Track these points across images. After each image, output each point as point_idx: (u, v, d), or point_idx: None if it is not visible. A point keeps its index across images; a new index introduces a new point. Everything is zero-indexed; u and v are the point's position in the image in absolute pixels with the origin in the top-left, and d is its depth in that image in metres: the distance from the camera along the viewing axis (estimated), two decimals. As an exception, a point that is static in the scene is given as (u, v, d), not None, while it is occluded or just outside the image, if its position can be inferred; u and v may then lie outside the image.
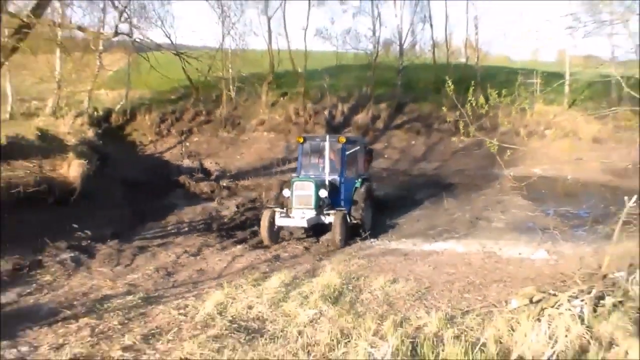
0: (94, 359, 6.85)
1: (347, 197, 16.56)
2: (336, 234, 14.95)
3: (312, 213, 15.40)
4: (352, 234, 15.81)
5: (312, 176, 16.36)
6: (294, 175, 17.25)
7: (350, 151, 17.07)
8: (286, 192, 16.20)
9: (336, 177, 16.63)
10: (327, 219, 15.67)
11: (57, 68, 25.65)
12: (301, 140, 17.48)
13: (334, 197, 16.30)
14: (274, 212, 15.72)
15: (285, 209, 15.87)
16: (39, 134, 19.73)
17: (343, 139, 16.67)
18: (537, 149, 23.44)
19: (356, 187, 16.83)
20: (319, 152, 17.29)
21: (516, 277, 10.98)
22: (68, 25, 20.30)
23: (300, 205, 15.54)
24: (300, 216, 15.37)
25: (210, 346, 6.94)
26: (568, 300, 7.17)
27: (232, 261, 13.11)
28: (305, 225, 15.31)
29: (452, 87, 10.72)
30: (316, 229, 16.24)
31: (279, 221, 15.50)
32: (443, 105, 14.83)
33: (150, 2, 24.97)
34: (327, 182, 16.09)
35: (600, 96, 19.73)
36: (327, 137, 16.71)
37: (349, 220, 15.84)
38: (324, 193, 15.63)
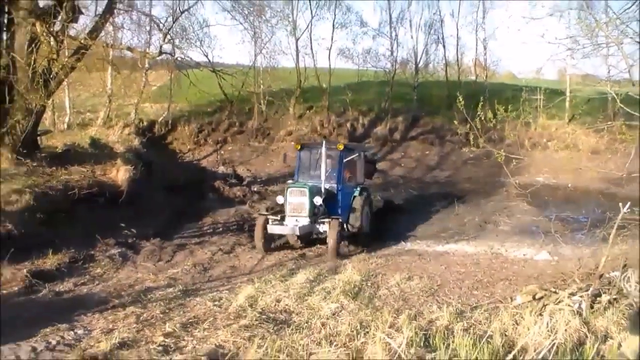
0: (139, 343, 6.92)
1: (344, 205, 15.08)
2: (330, 244, 13.48)
3: (305, 221, 13.92)
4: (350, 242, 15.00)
5: (309, 183, 14.73)
6: (289, 181, 15.72)
7: (349, 158, 15.53)
8: (280, 199, 14.65)
9: (333, 184, 15.14)
10: (322, 228, 14.21)
11: (108, 84, 25.89)
12: (298, 147, 16.20)
13: (331, 205, 14.79)
14: (267, 219, 14.21)
15: (279, 216, 14.38)
16: (92, 142, 19.89)
17: (341, 146, 15.42)
18: (540, 159, 23.28)
19: (354, 196, 15.38)
20: (316, 159, 15.57)
21: (520, 276, 10.97)
22: (119, 46, 20.54)
23: (294, 213, 14.06)
24: (293, 224, 13.90)
25: (241, 335, 6.97)
26: (568, 297, 7.18)
27: (262, 259, 13.21)
28: (298, 233, 13.83)
29: (462, 102, 10.81)
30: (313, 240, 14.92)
31: (271, 228, 14.02)
32: (454, 119, 14.78)
33: (191, 25, 25.06)
34: (323, 190, 14.54)
35: (597, 111, 19.54)
36: (324, 143, 15.06)
37: (346, 229, 14.68)
38: (318, 200, 14.13)
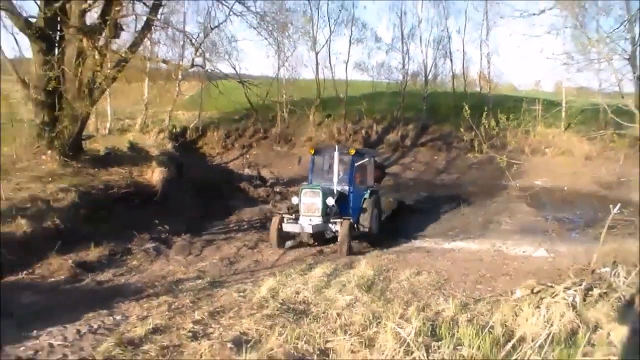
0: (171, 329, 6.98)
1: (355, 206, 14.81)
2: (342, 242, 13.34)
3: (318, 220, 13.73)
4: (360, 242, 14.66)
5: (322, 185, 14.49)
6: (304, 183, 15.45)
7: (360, 163, 15.35)
8: (295, 200, 14.56)
9: (345, 187, 14.91)
10: (334, 227, 14.01)
11: (145, 93, 26.15)
12: (312, 151, 15.83)
13: (343, 206, 14.54)
14: (282, 217, 14.10)
15: (294, 215, 14.28)
16: (130, 146, 20.07)
17: (353, 151, 15.22)
18: (539, 164, 23.12)
19: (365, 198, 15.14)
20: (329, 162, 15.37)
21: (520, 271, 10.92)
22: (155, 59, 20.74)
23: (308, 213, 13.88)
24: (307, 223, 13.65)
25: (264, 323, 7.00)
26: (563, 291, 7.16)
27: (283, 254, 13.20)
28: (311, 231, 13.57)
29: (468, 112, 10.79)
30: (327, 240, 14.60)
31: (286, 226, 13.78)
32: (461, 127, 14.74)
33: (220, 40, 25.17)
34: (335, 191, 14.44)
35: (590, 121, 19.47)
36: (337, 148, 14.97)
37: (356, 228, 14.40)
38: (331, 201, 14.00)
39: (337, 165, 14.62)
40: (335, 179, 14.58)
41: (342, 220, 13.74)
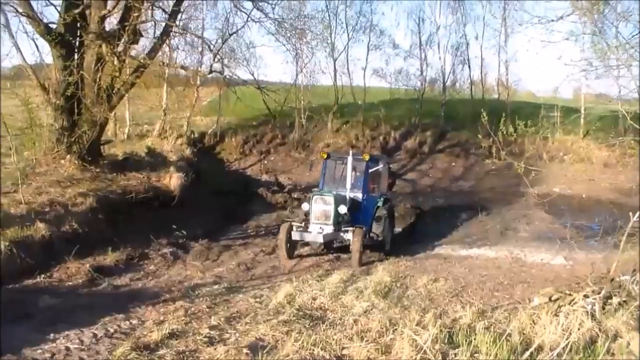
0: (187, 334, 7.00)
1: (368, 214, 14.25)
2: (354, 251, 12.70)
3: (330, 228, 13.06)
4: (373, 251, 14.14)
5: (334, 192, 13.87)
6: (315, 190, 14.77)
7: (374, 169, 14.84)
8: (305, 206, 13.83)
9: (358, 194, 14.39)
10: (346, 236, 13.35)
11: (163, 99, 26.33)
12: (325, 156, 15.25)
13: (355, 214, 13.96)
14: (291, 225, 13.41)
15: (304, 223, 13.53)
16: (148, 151, 20.20)
17: (367, 156, 14.55)
18: (557, 171, 22.86)
19: (378, 206, 14.56)
20: (342, 168, 14.81)
21: (538, 279, 10.85)
22: (174, 65, 20.91)
23: (319, 220, 13.20)
24: (317, 231, 13.01)
25: (280, 329, 6.98)
26: (581, 299, 7.06)
27: (300, 260, 13.24)
28: (321, 240, 12.97)
29: (486, 118, 10.72)
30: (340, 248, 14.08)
31: (295, 235, 13.12)
32: (479, 134, 14.64)
33: (239, 46, 25.37)
34: (348, 198, 13.83)
35: (609, 128, 19.26)
36: (351, 153, 14.36)
37: (369, 237, 13.82)
38: (343, 209, 13.26)
39: (351, 171, 14.06)
40: (348, 186, 14.04)
41: (354, 229, 13.11)
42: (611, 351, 5.58)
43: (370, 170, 14.70)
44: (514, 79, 32.99)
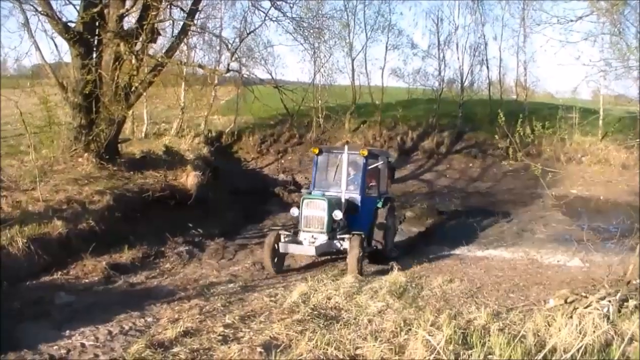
0: (201, 332, 7.05)
1: (367, 218, 12.71)
2: (352, 263, 11.02)
3: (323, 238, 11.54)
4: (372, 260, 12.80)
5: (327, 194, 12.33)
6: (304, 191, 13.41)
7: (373, 166, 13.20)
8: (294, 211, 12.35)
9: (355, 195, 12.70)
10: (342, 245, 11.75)
11: (181, 97, 26.48)
12: (316, 151, 13.41)
13: (352, 218, 12.35)
14: (278, 235, 11.90)
15: (292, 231, 12.22)
16: (165, 150, 20.31)
17: (365, 152, 12.77)
18: (575, 172, 22.76)
19: (378, 208, 13.05)
20: (336, 166, 13.18)
21: (554, 280, 10.82)
22: (191, 63, 21.01)
23: (310, 228, 11.69)
24: (309, 241, 11.59)
25: (294, 328, 7.02)
26: (597, 301, 7.01)
27: (316, 259, 13.22)
28: (314, 253, 11.59)
29: (503, 118, 10.67)
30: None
31: (283, 247, 11.49)
32: (496, 134, 14.56)
33: (256, 45, 25.46)
34: (343, 201, 12.23)
35: (628, 129, 19.09)
36: (346, 148, 12.58)
37: (368, 245, 12.34)
38: (338, 215, 11.64)
39: (346, 169, 12.42)
40: (343, 186, 12.40)
41: (351, 236, 11.48)
42: (626, 354, 5.55)
43: (368, 168, 13.10)
44: (532, 80, 32.78)
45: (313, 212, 11.78)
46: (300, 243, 11.72)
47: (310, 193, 12.63)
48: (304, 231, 11.79)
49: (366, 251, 12.06)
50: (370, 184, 13.57)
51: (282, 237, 11.82)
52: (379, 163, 13.57)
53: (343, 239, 11.71)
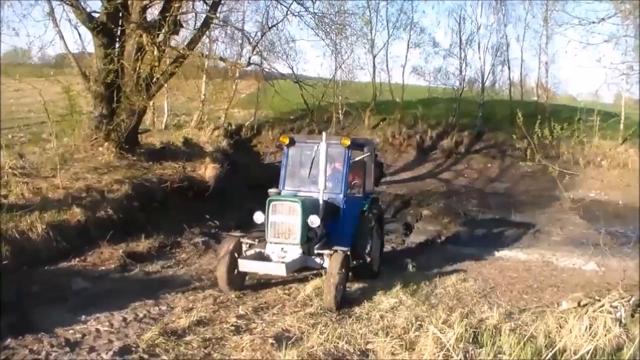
0: (214, 322, 7.15)
1: (350, 225, 10.24)
2: (328, 293, 8.08)
3: (296, 251, 8.94)
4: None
5: (301, 194, 9.95)
6: (272, 191, 10.34)
7: (357, 159, 10.67)
8: (258, 217, 9.38)
9: (335, 195, 10.16)
10: (320, 261, 9.17)
11: (202, 90, 26.67)
12: (286, 141, 10.74)
13: (332, 225, 9.87)
14: (239, 243, 9.24)
15: (257, 240, 9.33)
16: (185, 141, 20.45)
17: (347, 141, 10.10)
18: (593, 176, 22.55)
19: (363, 211, 10.76)
20: (312, 159, 10.32)
21: (568, 283, 10.80)
22: (213, 56, 21.17)
23: (279, 238, 9.00)
24: (278, 255, 8.94)
25: (306, 321, 7.10)
26: (610, 305, 6.99)
27: (331, 253, 13.23)
28: (284, 272, 8.62)
29: (521, 119, 10.63)
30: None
31: (242, 265, 8.73)
32: (515, 135, 14.53)
33: (278, 40, 25.45)
34: (321, 203, 9.44)
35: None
36: (324, 137, 9.46)
37: (352, 261, 9.52)
38: (315, 221, 9.00)
39: (325, 163, 9.41)
40: (321, 185, 9.43)
41: (331, 252, 8.86)
42: (637, 358, 5.52)
43: (352, 161, 10.56)
44: (553, 82, 32.54)
45: (283, 217, 9.07)
46: (267, 258, 9.05)
47: (279, 193, 10.34)
48: (271, 242, 9.11)
49: (350, 267, 9.38)
50: (354, 181, 11.19)
51: (243, 247, 9.32)
52: (364, 155, 11.03)
53: (322, 255, 9.17)
